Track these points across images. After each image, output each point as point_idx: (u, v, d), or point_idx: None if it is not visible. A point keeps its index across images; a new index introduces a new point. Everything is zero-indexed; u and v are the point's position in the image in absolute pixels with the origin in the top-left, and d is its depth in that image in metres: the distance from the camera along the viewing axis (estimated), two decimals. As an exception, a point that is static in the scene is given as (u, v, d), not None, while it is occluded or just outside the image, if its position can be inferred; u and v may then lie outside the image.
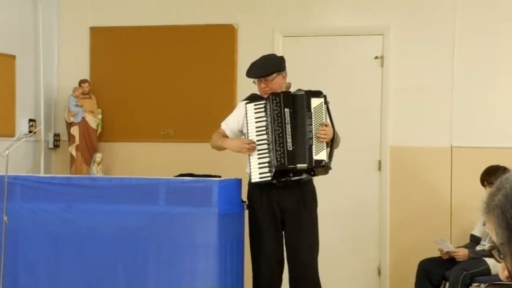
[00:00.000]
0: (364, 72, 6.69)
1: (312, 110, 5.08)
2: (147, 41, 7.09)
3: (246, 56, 6.70)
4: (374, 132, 6.64)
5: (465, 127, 6.46)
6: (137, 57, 7.11)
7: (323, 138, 5.05)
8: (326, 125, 5.08)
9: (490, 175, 5.49)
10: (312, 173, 5.14)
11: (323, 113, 5.12)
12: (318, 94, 5.13)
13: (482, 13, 6.46)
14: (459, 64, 6.49)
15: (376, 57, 6.66)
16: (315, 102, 5.10)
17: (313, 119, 5.07)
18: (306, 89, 5.17)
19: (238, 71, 6.82)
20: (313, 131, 5.05)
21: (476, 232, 5.80)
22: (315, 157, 5.05)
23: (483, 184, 5.62)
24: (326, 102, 5.13)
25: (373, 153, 6.66)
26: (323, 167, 5.10)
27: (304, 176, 5.15)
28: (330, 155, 5.12)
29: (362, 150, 6.61)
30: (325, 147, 5.08)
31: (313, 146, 5.04)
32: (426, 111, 6.54)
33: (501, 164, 5.32)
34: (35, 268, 5.22)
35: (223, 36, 6.93)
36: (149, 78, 7.08)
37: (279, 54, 5.73)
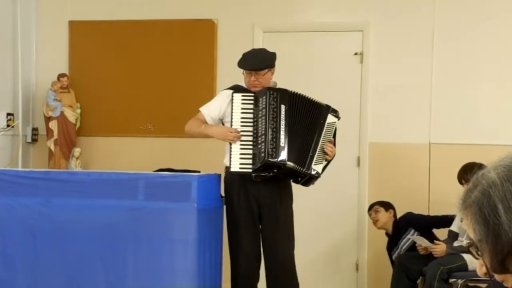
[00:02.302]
0: (344, 69, 6.70)
1: (326, 124, 5.15)
2: (126, 35, 7.06)
3: (225, 52, 6.71)
4: (353, 128, 6.66)
5: (443, 124, 6.50)
6: (116, 52, 7.08)
7: (327, 154, 5.17)
8: (332, 143, 5.21)
9: (467, 172, 5.53)
10: (299, 179, 5.16)
11: (332, 132, 5.23)
12: (336, 112, 5.26)
13: (462, 10, 6.50)
14: (439, 61, 6.53)
15: (355, 54, 6.68)
16: (330, 118, 5.22)
17: (324, 132, 5.14)
18: (283, 85, 5.21)
19: (218, 66, 6.82)
20: (320, 143, 5.13)
21: (454, 228, 5.83)
22: (313, 166, 5.11)
23: (460, 182, 5.66)
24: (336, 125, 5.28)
25: (352, 149, 6.68)
26: (315, 178, 5.17)
27: (284, 177, 5.19)
28: (322, 171, 5.22)
29: (341, 146, 6.57)
30: (323, 162, 5.19)
31: (315, 156, 5.11)
32: (405, 107, 6.58)
33: (478, 161, 5.37)
34: (13, 263, 5.19)
35: (202, 31, 6.91)
36: (128, 72, 7.05)
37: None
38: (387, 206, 6.16)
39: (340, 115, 5.29)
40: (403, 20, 6.59)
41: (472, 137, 6.39)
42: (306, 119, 5.16)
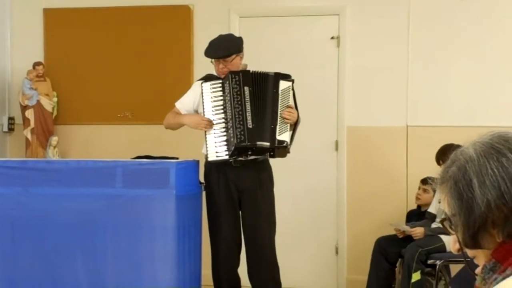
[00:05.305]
0: (321, 53, 6.71)
1: (280, 92, 5.11)
2: (101, 22, 7.02)
3: (202, 37, 6.67)
4: (331, 113, 6.67)
5: (420, 107, 6.54)
6: (92, 39, 7.04)
7: (287, 119, 5.10)
8: (291, 108, 5.13)
9: (445, 153, 5.55)
10: (271, 153, 5.15)
11: (290, 97, 5.17)
12: (287, 77, 5.19)
13: (437, -7, 6.53)
14: (415, 44, 6.55)
15: (332, 37, 6.68)
16: (283, 84, 5.15)
17: (279, 100, 5.09)
18: (260, 69, 5.19)
19: (194, 52, 6.80)
20: (279, 112, 5.08)
21: (432, 210, 5.87)
22: (278, 137, 5.08)
23: (438, 163, 5.71)
24: (293, 87, 5.18)
25: (330, 133, 6.70)
26: (284, 148, 5.13)
27: (261, 156, 5.18)
28: (291, 138, 5.17)
29: (319, 130, 6.65)
30: (288, 129, 5.13)
31: (277, 127, 5.07)
32: (382, 90, 6.60)
33: (456, 143, 5.41)
34: (-9, 253, 5.17)
35: (178, 17, 6.89)
36: (105, 60, 7.01)
37: (235, 34, 5.71)
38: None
39: (293, 78, 5.19)
40: (379, 3, 6.60)
41: (448, 119, 6.43)
42: (265, 94, 5.14)
